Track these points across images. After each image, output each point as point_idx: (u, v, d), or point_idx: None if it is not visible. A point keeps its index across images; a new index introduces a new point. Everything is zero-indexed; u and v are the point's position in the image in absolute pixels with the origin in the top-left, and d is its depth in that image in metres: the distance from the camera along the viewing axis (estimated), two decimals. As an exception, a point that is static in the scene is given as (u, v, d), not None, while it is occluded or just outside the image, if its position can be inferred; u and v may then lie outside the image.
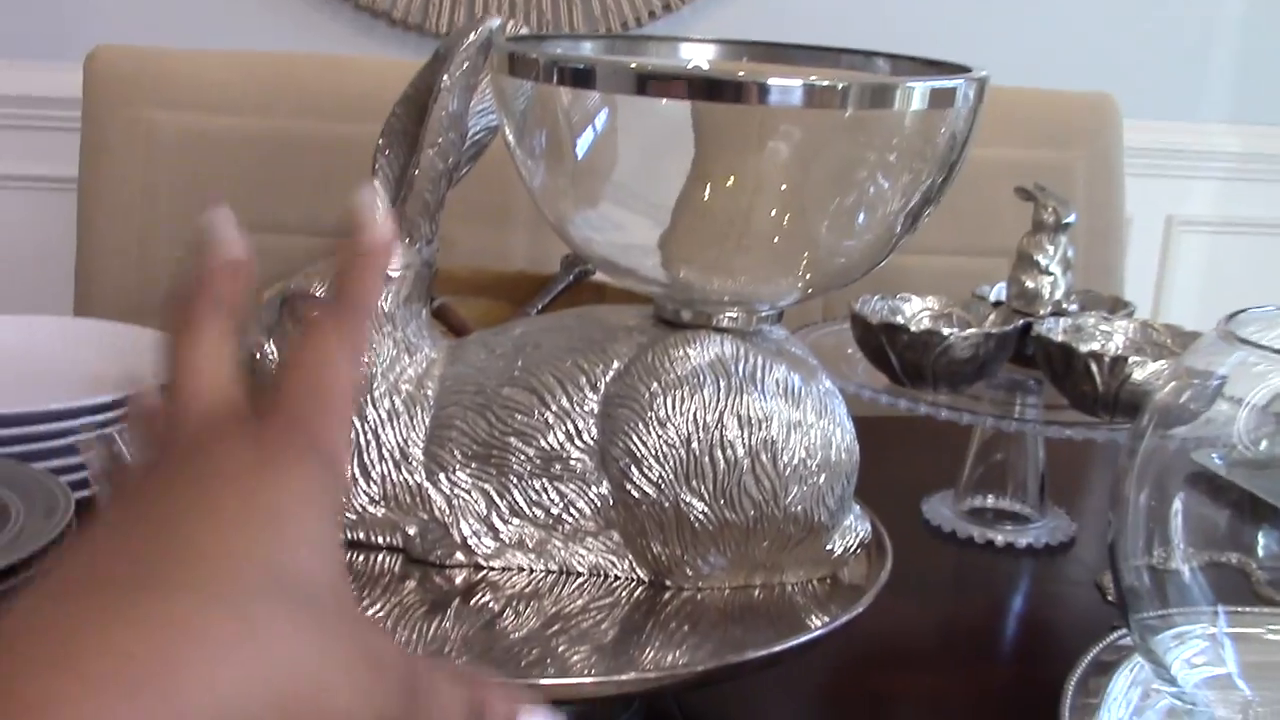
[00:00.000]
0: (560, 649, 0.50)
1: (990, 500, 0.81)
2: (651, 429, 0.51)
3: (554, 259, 0.92)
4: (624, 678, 0.46)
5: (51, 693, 0.24)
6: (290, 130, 1.09)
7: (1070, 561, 0.78)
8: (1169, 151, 1.79)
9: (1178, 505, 0.56)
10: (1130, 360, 0.70)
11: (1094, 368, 0.70)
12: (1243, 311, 0.56)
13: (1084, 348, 0.72)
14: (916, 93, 0.49)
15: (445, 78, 0.51)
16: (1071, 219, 0.78)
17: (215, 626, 0.26)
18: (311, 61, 1.12)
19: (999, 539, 0.78)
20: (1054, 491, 0.82)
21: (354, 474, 0.55)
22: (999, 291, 0.85)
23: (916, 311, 0.81)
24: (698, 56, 0.61)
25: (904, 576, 0.61)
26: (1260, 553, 0.59)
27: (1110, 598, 0.72)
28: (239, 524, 0.29)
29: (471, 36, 0.51)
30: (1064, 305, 0.80)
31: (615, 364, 0.53)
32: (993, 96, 1.32)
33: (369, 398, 0.54)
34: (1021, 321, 0.77)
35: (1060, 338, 0.74)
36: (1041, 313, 0.79)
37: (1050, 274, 0.78)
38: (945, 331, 0.73)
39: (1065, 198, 0.79)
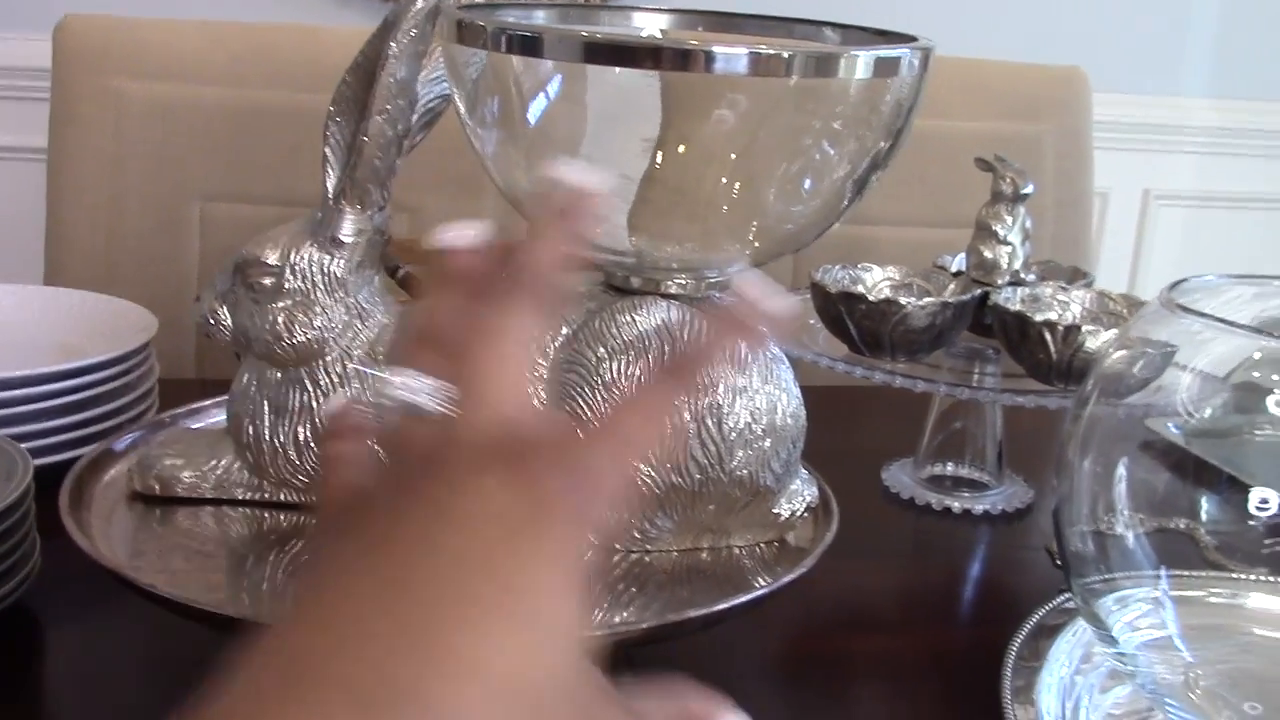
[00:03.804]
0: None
1: (949, 468, 0.82)
2: (598, 393, 0.52)
3: (524, 227, 0.92)
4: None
5: None
6: (261, 100, 1.09)
7: (1026, 527, 0.79)
8: (1147, 125, 1.80)
9: (1122, 471, 0.57)
10: (1084, 329, 0.71)
11: (1048, 336, 0.71)
12: (1185, 280, 0.57)
13: (1039, 317, 0.72)
14: (861, 61, 0.50)
15: (392, 45, 0.51)
16: (1029, 189, 0.79)
17: None
18: (283, 31, 1.12)
19: (956, 505, 0.79)
20: (1012, 459, 0.83)
21: (307, 438, 0.55)
22: (960, 262, 0.85)
23: (878, 281, 0.82)
24: (650, 25, 0.62)
25: (862, 542, 0.61)
26: (1206, 518, 0.60)
27: (1059, 562, 0.73)
28: (489, 624, 0.26)
29: (419, 4, 0.51)
30: (1022, 275, 0.80)
31: (564, 329, 0.53)
32: (964, 69, 1.33)
33: (321, 363, 0.55)
34: (979, 291, 0.78)
35: (1016, 307, 0.74)
36: (999, 282, 0.79)
37: (1008, 244, 0.79)
38: (902, 300, 0.74)
39: (1023, 168, 0.80)
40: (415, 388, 0.31)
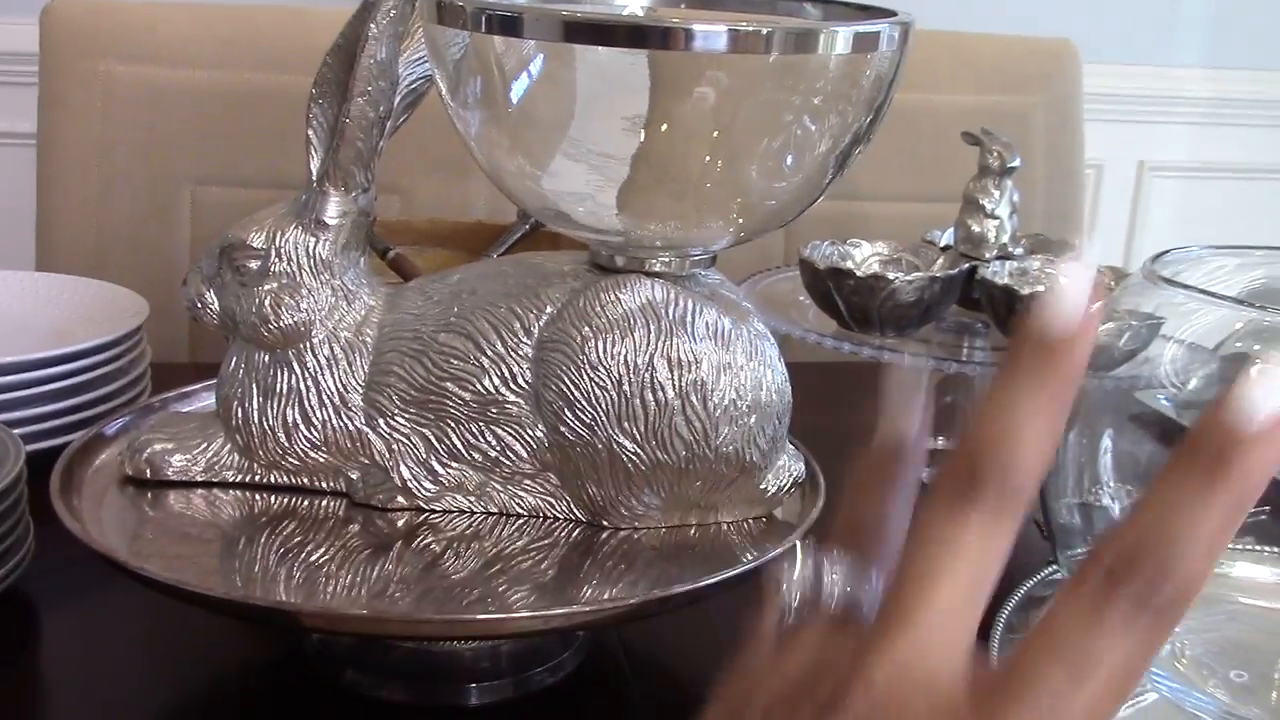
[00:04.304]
0: (500, 589, 0.51)
1: (940, 441, 0.82)
2: (583, 372, 0.52)
3: (513, 209, 0.92)
4: (553, 613, 0.48)
5: None
6: (249, 83, 1.08)
7: (1017, 501, 0.80)
8: (1141, 96, 1.80)
9: (1107, 443, 0.57)
10: (1071, 302, 0.71)
11: (1035, 310, 0.71)
12: (1167, 252, 0.57)
13: (1026, 290, 0.73)
14: (840, 37, 0.50)
15: (372, 26, 0.51)
16: (1016, 163, 0.79)
17: None
18: (270, 13, 1.12)
19: (946, 480, 0.79)
20: (1003, 433, 0.83)
21: (295, 420, 0.56)
22: (949, 236, 0.85)
23: (866, 256, 0.82)
24: (633, 3, 0.61)
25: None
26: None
27: (1047, 534, 0.73)
28: None
29: (398, -15, 0.51)
30: (1010, 249, 0.80)
31: (548, 309, 0.54)
32: (953, 43, 1.32)
33: (308, 345, 0.55)
34: (967, 265, 0.78)
35: (1004, 281, 0.75)
36: (987, 256, 0.80)
37: (996, 218, 0.79)
38: (890, 276, 0.74)
39: (1010, 142, 0.80)
40: (833, 576, 0.28)
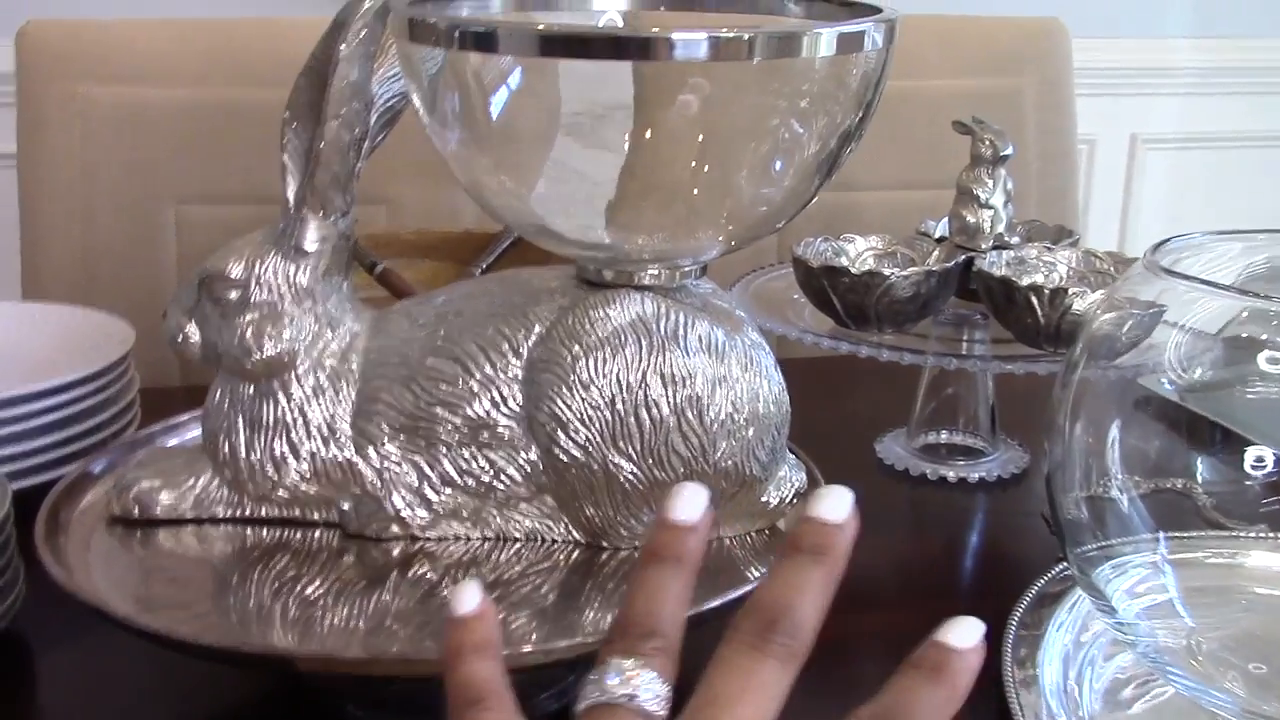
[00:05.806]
0: (501, 615, 0.50)
1: (943, 436, 0.81)
2: (575, 392, 0.51)
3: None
4: (555, 645, 0.46)
5: None
6: (229, 98, 1.07)
7: (1023, 493, 0.79)
8: (1131, 69, 1.79)
9: (1114, 434, 0.56)
10: (1070, 291, 0.70)
11: (1034, 300, 0.70)
12: (1168, 241, 0.56)
13: (1024, 281, 0.71)
14: (824, 39, 0.48)
15: (342, 47, 0.50)
16: (1009, 151, 0.78)
17: None
18: (247, 27, 1.10)
19: (951, 474, 0.78)
20: (1007, 424, 0.82)
21: (283, 452, 0.54)
22: (944, 227, 0.84)
23: (860, 252, 0.81)
24: (611, 8, 0.60)
25: (858, 518, 0.60)
26: (1202, 477, 0.59)
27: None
28: None
29: (367, 3, 0.50)
30: (1006, 238, 0.79)
31: (537, 328, 0.52)
32: (941, 26, 1.31)
33: (293, 375, 0.54)
34: (963, 257, 0.77)
35: (1001, 271, 0.73)
36: (983, 247, 0.78)
37: (990, 207, 0.78)
38: (886, 272, 0.73)
39: (1003, 129, 0.79)
40: (635, 681, 0.33)
